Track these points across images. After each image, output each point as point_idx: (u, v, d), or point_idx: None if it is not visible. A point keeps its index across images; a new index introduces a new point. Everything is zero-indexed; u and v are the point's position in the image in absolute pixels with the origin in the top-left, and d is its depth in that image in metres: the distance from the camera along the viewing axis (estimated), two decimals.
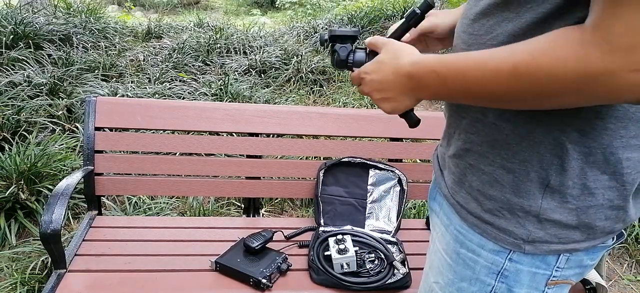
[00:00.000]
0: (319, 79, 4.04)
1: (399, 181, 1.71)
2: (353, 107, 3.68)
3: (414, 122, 0.77)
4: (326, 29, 0.92)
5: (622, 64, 0.46)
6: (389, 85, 0.69)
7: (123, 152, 2.05)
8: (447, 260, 0.76)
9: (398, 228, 1.68)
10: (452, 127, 0.76)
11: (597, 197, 0.62)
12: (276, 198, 2.58)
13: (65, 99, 3.03)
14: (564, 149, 0.61)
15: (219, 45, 4.45)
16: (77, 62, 3.62)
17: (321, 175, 1.71)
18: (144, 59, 4.08)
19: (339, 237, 1.47)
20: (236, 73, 4.03)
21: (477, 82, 0.57)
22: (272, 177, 1.81)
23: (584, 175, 0.61)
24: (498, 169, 0.66)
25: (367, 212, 1.71)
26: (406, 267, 1.46)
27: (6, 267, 1.92)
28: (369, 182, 1.73)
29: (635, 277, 2.30)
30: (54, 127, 2.80)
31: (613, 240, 0.71)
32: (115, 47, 4.33)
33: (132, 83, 3.51)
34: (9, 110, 2.75)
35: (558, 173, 0.62)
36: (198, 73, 3.93)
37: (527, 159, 0.63)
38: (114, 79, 3.69)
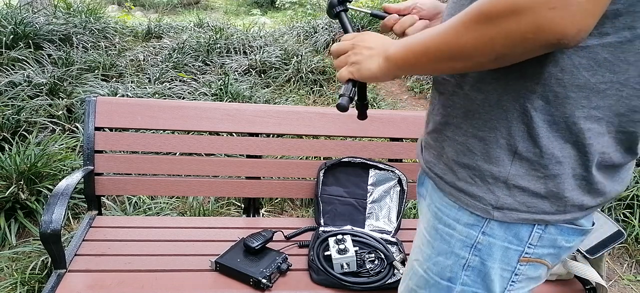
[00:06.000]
0: (319, 79, 4.04)
1: (399, 181, 1.71)
2: (353, 107, 3.68)
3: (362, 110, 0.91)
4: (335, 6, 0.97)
5: (542, 1, 0.50)
6: (375, 44, 0.77)
7: (123, 152, 2.05)
8: (427, 237, 0.78)
9: (398, 228, 1.68)
10: (432, 104, 0.80)
11: (563, 165, 0.64)
12: (276, 198, 2.58)
13: (65, 99, 3.03)
14: (529, 117, 0.63)
15: (219, 45, 4.45)
16: (77, 62, 3.62)
17: (321, 175, 1.71)
18: (144, 59, 4.08)
19: (339, 237, 1.47)
20: (236, 73, 4.03)
21: (436, 40, 0.62)
22: (272, 177, 1.81)
23: (549, 143, 0.64)
24: (471, 138, 0.69)
25: (367, 212, 1.71)
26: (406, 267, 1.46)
27: (6, 267, 1.92)
28: (369, 182, 1.73)
29: (635, 277, 2.30)
30: (54, 127, 2.80)
31: (591, 223, 0.73)
32: (115, 47, 4.33)
33: (132, 83, 3.51)
34: (9, 110, 2.75)
35: (525, 140, 0.64)
36: (198, 73, 3.93)
37: (496, 127, 0.66)
38: (114, 79, 3.69)
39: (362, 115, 0.96)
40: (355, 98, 0.84)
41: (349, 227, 1.67)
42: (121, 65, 3.85)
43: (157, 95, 3.32)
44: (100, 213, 1.70)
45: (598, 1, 0.50)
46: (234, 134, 1.85)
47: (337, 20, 0.94)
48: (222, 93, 3.45)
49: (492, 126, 0.67)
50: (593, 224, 0.74)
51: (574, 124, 0.62)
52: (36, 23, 4.04)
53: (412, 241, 1.66)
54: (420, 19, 0.93)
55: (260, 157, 1.76)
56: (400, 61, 0.71)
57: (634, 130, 0.65)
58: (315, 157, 2.10)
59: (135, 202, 2.38)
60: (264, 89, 3.85)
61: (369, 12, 1.01)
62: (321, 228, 1.64)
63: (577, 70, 0.60)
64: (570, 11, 0.50)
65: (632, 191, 2.51)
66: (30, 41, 3.73)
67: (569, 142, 0.63)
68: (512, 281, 0.72)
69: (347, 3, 0.93)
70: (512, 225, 0.68)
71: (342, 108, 0.79)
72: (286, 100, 3.70)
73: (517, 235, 0.68)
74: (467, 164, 0.70)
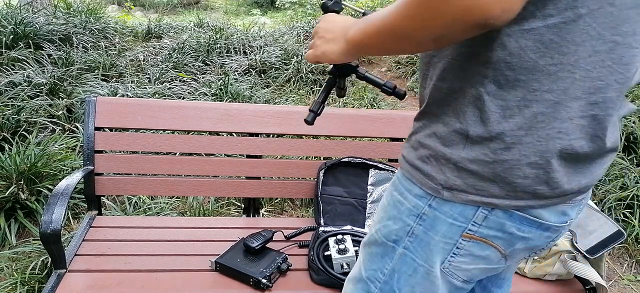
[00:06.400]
0: (319, 79, 4.04)
1: None
2: (353, 107, 3.68)
3: (355, 69, 0.99)
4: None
5: None
6: (336, 28, 0.84)
7: (123, 152, 2.05)
8: (384, 204, 0.83)
9: None
10: (419, 102, 0.84)
11: (513, 151, 0.65)
12: (276, 198, 2.58)
13: (65, 99, 3.03)
14: (482, 101, 0.65)
15: (219, 45, 4.45)
16: (77, 62, 3.62)
17: (321, 175, 1.71)
18: (144, 59, 4.08)
19: (339, 237, 1.47)
20: (236, 73, 4.03)
21: (385, 22, 0.66)
22: (272, 177, 1.81)
23: (500, 128, 0.64)
24: (437, 124, 0.72)
25: (367, 212, 1.71)
26: None
27: (6, 267, 1.92)
28: (369, 182, 1.73)
29: (635, 277, 2.30)
30: (54, 127, 2.80)
31: (560, 219, 0.72)
32: (115, 47, 4.33)
33: (132, 83, 3.51)
34: (9, 110, 2.75)
35: (477, 125, 0.66)
36: (198, 73, 3.93)
37: (456, 112, 0.69)
38: (114, 79, 3.69)
39: (340, 93, 1.06)
40: (321, 110, 1.01)
41: (349, 227, 1.67)
42: (121, 65, 3.86)
43: (157, 95, 3.32)
44: (100, 213, 1.70)
45: None
46: (234, 134, 1.85)
47: None
48: (222, 93, 3.45)
49: (454, 112, 0.69)
50: (567, 222, 0.73)
51: (526, 107, 0.63)
52: (36, 23, 4.04)
53: None
54: None
55: (260, 157, 1.76)
56: (358, 43, 0.76)
57: (596, 114, 0.64)
58: (315, 157, 2.10)
59: (135, 202, 2.38)
60: (264, 89, 3.85)
61: (362, 11, 1.01)
62: (321, 228, 1.64)
63: (525, 53, 0.61)
64: (476, 5, 0.52)
65: (632, 191, 2.51)
66: (30, 41, 3.73)
67: (522, 128, 0.64)
68: (453, 253, 0.74)
69: (342, 3, 0.98)
70: (458, 204, 0.70)
71: (307, 123, 0.98)
72: (286, 100, 3.70)
73: (462, 213, 0.71)
74: (428, 145, 0.73)
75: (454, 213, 0.71)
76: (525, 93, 0.62)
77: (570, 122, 0.63)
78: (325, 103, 1.03)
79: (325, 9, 0.97)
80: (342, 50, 0.82)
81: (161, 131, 2.41)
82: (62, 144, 2.58)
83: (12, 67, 3.35)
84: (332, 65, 1.00)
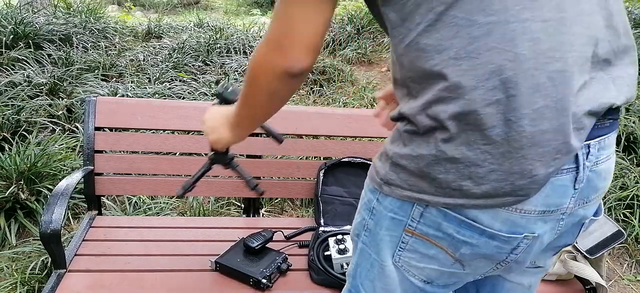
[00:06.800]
0: (319, 79, 4.04)
1: None
2: (353, 107, 3.68)
3: (228, 160, 1.13)
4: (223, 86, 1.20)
5: (261, 63, 0.73)
6: (217, 119, 0.98)
7: (123, 152, 2.05)
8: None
9: None
10: None
11: (430, 146, 0.67)
12: (276, 198, 2.58)
13: (65, 99, 3.03)
14: (407, 105, 0.70)
15: (219, 45, 4.45)
16: (77, 62, 3.62)
17: (321, 175, 1.71)
18: (144, 59, 4.08)
19: (339, 237, 1.47)
20: (236, 73, 4.03)
21: (242, 99, 0.83)
22: (272, 177, 1.81)
23: (421, 123, 0.67)
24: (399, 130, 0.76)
25: None
26: None
27: (6, 267, 1.92)
28: None
29: (635, 277, 2.30)
30: (54, 127, 2.80)
31: (505, 228, 0.68)
32: (115, 47, 4.33)
33: (132, 83, 3.51)
34: (9, 110, 2.75)
35: (405, 124, 0.71)
36: (198, 73, 3.93)
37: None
38: (114, 79, 3.69)
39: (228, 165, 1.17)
40: (193, 188, 1.17)
41: (348, 227, 1.67)
42: (121, 65, 3.85)
43: (157, 95, 3.32)
44: (100, 213, 1.70)
45: (295, 44, 0.69)
46: None
47: None
48: None
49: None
50: (522, 235, 0.69)
51: (429, 106, 0.66)
52: (36, 23, 4.04)
53: None
54: None
55: (260, 157, 1.75)
56: (238, 124, 0.91)
57: (499, 98, 0.61)
58: (315, 157, 2.10)
59: (135, 202, 2.38)
60: None
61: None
62: (321, 228, 1.64)
63: (413, 64, 0.66)
64: (282, 58, 0.70)
65: (632, 191, 2.51)
66: (30, 41, 3.73)
67: (430, 128, 0.66)
68: (400, 247, 0.76)
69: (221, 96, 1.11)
70: (397, 199, 0.73)
71: (178, 196, 1.16)
72: None
73: (402, 208, 0.73)
74: (388, 148, 0.77)
75: (394, 208, 0.74)
76: (428, 97, 0.66)
77: (475, 115, 0.63)
78: (198, 182, 1.18)
79: (220, 97, 1.10)
80: (230, 134, 0.96)
81: (161, 131, 2.41)
82: (62, 144, 2.58)
83: (12, 67, 3.35)
84: (211, 152, 1.11)
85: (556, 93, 0.61)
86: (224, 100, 1.10)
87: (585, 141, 0.67)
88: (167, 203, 2.43)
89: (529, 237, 0.70)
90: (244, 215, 1.89)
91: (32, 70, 3.31)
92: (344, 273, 1.39)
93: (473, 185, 0.65)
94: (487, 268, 0.77)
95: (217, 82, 1.11)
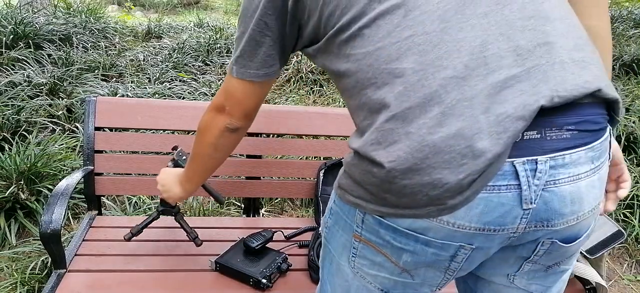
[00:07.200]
0: (319, 79, 4.04)
1: None
2: None
3: (175, 212, 1.41)
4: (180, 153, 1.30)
5: (213, 113, 0.96)
6: (168, 179, 1.26)
7: (123, 152, 2.05)
8: None
9: None
10: None
11: (352, 145, 0.71)
12: (276, 198, 2.58)
13: (65, 99, 3.03)
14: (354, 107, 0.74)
15: (219, 45, 4.45)
16: (77, 62, 3.62)
17: (321, 175, 1.71)
18: (144, 59, 4.08)
19: None
20: None
21: (193, 153, 1.07)
22: (272, 177, 1.80)
23: (355, 123, 0.74)
24: None
25: None
26: None
27: (6, 267, 1.92)
28: None
29: (635, 277, 2.30)
30: (54, 127, 2.80)
31: (439, 235, 0.66)
32: (115, 47, 4.33)
33: (132, 83, 3.51)
34: (9, 110, 2.75)
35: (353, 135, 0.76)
36: (198, 73, 3.93)
37: None
38: (114, 79, 3.69)
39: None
40: (139, 233, 1.41)
41: None
42: (121, 65, 3.85)
43: (157, 95, 3.32)
44: (100, 213, 1.70)
45: (232, 106, 0.92)
46: None
47: None
48: None
49: None
50: (459, 245, 0.67)
51: (356, 114, 0.72)
52: (36, 23, 4.04)
53: None
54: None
55: (260, 157, 1.75)
56: (188, 179, 1.14)
57: (395, 113, 0.63)
58: (315, 157, 2.10)
59: (135, 202, 2.38)
60: None
61: None
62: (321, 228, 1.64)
63: (351, 90, 0.71)
64: (224, 118, 0.94)
65: (632, 191, 2.51)
66: (30, 41, 3.73)
67: (358, 131, 0.72)
68: (353, 254, 0.78)
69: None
70: (345, 203, 0.76)
71: (125, 239, 1.40)
72: (286, 100, 3.70)
73: (349, 213, 0.75)
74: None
75: (345, 211, 0.76)
76: (356, 102, 0.71)
77: (405, 120, 0.64)
78: (144, 229, 1.41)
79: (175, 162, 1.37)
80: (180, 190, 1.20)
81: (161, 131, 2.41)
82: (62, 144, 2.58)
83: (12, 67, 3.35)
84: (159, 203, 1.38)
85: (450, 99, 0.61)
86: (177, 164, 1.36)
87: (532, 156, 0.62)
88: None
89: (466, 247, 0.67)
90: (244, 215, 1.89)
91: (32, 70, 3.31)
92: None
93: (393, 197, 0.65)
94: (437, 278, 0.74)
95: (174, 148, 1.44)
